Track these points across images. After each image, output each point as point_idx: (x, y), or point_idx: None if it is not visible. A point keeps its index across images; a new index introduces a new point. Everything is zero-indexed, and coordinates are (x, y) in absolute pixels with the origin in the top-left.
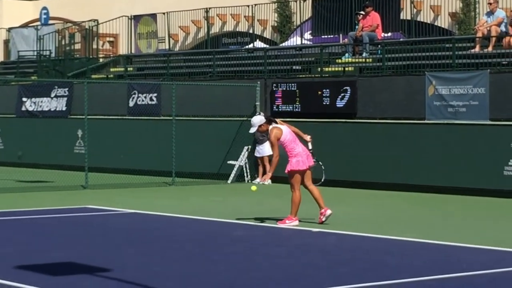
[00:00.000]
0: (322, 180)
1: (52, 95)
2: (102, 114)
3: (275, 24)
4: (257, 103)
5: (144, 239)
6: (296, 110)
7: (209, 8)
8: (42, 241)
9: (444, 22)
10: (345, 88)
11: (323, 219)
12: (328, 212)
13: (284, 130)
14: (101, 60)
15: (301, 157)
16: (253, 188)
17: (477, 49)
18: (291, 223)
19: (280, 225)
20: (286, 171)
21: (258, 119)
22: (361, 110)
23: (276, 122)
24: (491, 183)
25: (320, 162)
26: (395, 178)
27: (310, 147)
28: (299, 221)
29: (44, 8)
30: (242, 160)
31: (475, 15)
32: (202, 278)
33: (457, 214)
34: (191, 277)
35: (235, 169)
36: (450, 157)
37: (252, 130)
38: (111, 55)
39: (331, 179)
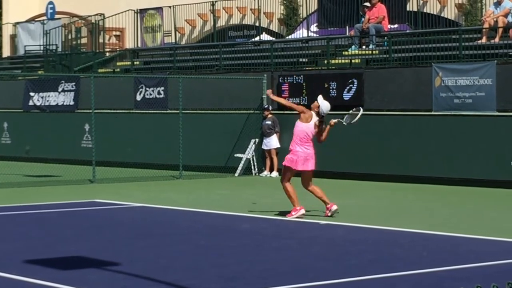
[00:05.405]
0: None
1: (60, 89)
2: (110, 108)
3: (281, 17)
4: (264, 96)
5: (151, 232)
6: (303, 102)
7: (215, 1)
8: (50, 235)
9: (450, 13)
10: (352, 80)
11: (329, 214)
12: (334, 207)
13: (310, 124)
14: (107, 54)
15: (296, 156)
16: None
17: (484, 40)
18: (298, 213)
19: (288, 217)
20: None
21: (328, 107)
22: (368, 102)
23: (321, 120)
24: (498, 174)
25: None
26: (402, 170)
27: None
28: (306, 210)
29: (50, 2)
30: (249, 153)
31: (481, 6)
32: (210, 271)
33: (465, 206)
34: (199, 270)
35: (242, 162)
36: (457, 148)
37: (320, 99)
38: (118, 49)
39: (338, 171)
